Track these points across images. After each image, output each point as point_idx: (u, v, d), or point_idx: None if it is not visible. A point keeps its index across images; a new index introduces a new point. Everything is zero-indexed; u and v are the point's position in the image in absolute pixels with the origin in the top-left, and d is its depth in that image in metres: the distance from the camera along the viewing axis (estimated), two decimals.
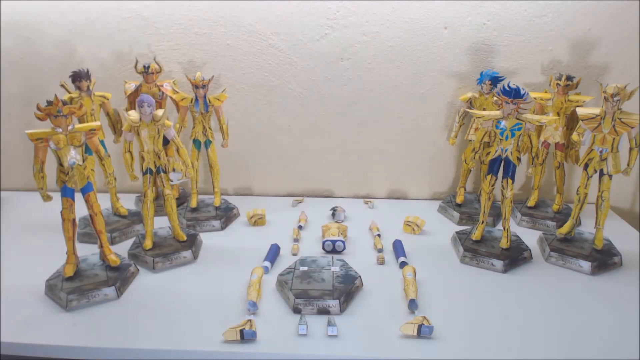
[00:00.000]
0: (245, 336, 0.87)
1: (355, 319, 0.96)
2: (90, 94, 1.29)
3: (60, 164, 1.02)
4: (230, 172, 1.60)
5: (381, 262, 1.18)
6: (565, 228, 1.23)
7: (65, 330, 0.93)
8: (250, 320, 0.91)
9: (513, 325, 0.94)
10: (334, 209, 1.43)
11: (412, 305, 0.97)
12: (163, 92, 1.38)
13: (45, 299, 1.03)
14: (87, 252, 1.15)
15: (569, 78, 1.29)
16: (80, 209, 1.08)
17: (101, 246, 1.10)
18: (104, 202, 1.21)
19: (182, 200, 1.49)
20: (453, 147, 1.53)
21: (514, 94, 1.08)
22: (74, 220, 1.06)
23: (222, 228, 1.37)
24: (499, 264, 1.14)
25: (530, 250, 1.20)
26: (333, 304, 0.97)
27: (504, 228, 1.19)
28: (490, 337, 0.91)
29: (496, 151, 1.15)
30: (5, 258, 1.19)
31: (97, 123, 1.09)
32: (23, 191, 1.62)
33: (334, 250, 1.22)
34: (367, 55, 1.47)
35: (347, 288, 1.02)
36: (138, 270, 1.14)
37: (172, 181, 1.19)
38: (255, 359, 0.86)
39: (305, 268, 1.08)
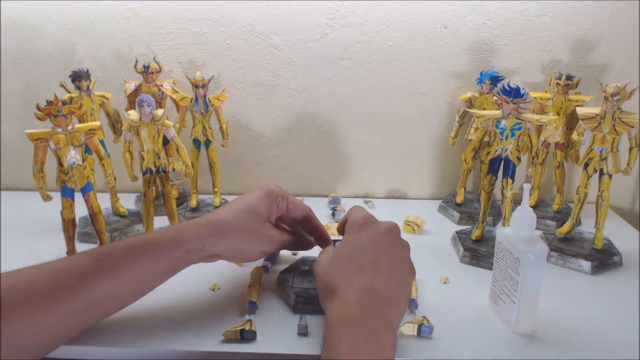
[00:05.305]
0: (245, 336, 0.87)
1: None
2: (90, 94, 1.28)
3: (60, 164, 1.02)
4: (231, 172, 1.60)
5: None
6: (565, 227, 1.23)
7: None
8: (250, 320, 0.91)
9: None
10: (333, 209, 1.43)
11: (412, 304, 0.97)
12: (163, 92, 1.38)
13: None
14: None
15: (568, 77, 1.29)
16: (80, 209, 1.08)
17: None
18: (104, 202, 1.20)
19: (182, 200, 1.49)
20: (453, 147, 1.53)
21: (514, 94, 1.08)
22: (74, 220, 1.06)
23: None
24: None
25: None
26: None
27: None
28: (490, 337, 0.91)
29: (496, 151, 1.14)
30: (5, 258, 1.18)
31: (97, 123, 1.09)
32: (23, 191, 1.63)
33: None
34: (367, 55, 1.47)
35: None
36: None
37: (171, 181, 1.19)
38: (255, 359, 0.86)
39: (307, 267, 1.08)
